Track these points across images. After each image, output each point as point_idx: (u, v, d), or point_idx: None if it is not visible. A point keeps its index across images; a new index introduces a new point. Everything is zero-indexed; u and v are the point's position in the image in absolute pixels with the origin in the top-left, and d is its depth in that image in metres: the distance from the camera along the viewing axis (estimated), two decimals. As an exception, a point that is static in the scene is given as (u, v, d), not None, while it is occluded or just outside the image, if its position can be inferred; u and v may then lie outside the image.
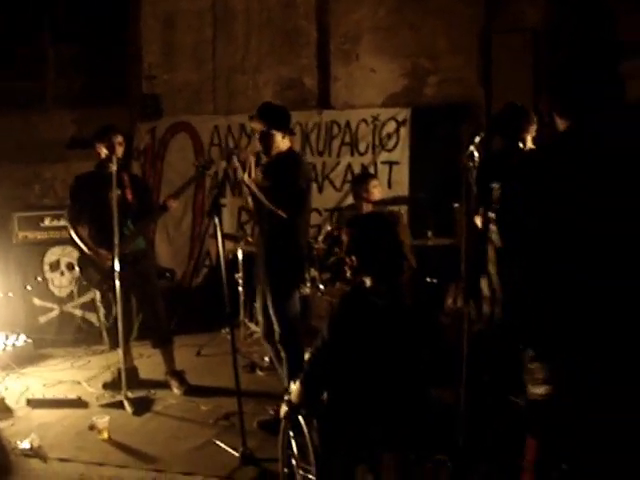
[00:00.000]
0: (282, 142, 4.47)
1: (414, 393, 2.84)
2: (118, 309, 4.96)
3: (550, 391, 2.34)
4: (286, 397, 3.16)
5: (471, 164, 3.94)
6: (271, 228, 4.45)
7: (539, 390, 2.38)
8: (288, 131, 4.52)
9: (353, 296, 3.01)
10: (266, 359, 5.64)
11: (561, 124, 2.43)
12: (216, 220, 4.08)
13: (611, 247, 2.25)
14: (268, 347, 4.74)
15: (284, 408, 3.14)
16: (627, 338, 2.25)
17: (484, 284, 3.98)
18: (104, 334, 5.47)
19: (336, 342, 2.86)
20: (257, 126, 4.46)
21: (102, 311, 5.42)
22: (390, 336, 2.83)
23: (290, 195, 4.34)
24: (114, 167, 4.93)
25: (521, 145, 4.56)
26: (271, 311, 4.47)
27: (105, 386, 5.39)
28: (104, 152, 5.21)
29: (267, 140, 4.43)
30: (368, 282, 2.96)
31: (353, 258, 2.97)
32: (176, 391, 5.25)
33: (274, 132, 4.41)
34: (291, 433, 3.12)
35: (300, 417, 3.02)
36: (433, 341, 2.93)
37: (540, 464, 2.44)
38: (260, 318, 4.73)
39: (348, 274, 3.04)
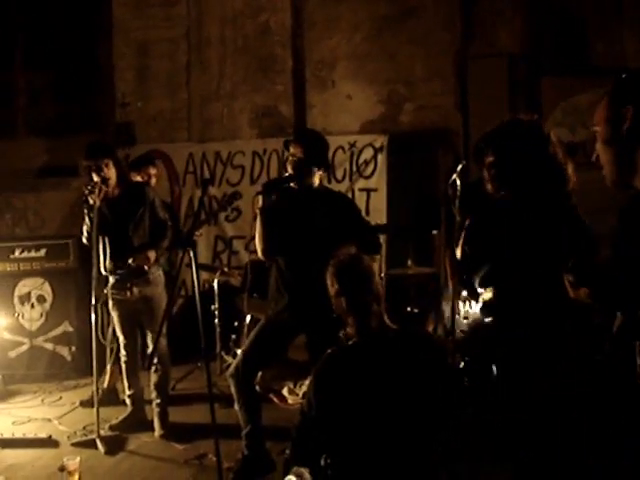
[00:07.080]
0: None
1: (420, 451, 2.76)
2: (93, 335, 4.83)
3: None
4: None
5: (453, 193, 3.88)
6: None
7: None
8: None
9: (339, 356, 2.96)
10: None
11: None
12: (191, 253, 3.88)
13: None
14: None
15: None
16: None
17: None
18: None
19: (324, 406, 2.81)
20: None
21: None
22: (389, 383, 2.80)
23: None
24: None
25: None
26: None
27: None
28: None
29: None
30: (350, 323, 2.95)
31: (342, 300, 2.96)
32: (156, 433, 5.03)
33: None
34: None
35: None
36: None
37: None
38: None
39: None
